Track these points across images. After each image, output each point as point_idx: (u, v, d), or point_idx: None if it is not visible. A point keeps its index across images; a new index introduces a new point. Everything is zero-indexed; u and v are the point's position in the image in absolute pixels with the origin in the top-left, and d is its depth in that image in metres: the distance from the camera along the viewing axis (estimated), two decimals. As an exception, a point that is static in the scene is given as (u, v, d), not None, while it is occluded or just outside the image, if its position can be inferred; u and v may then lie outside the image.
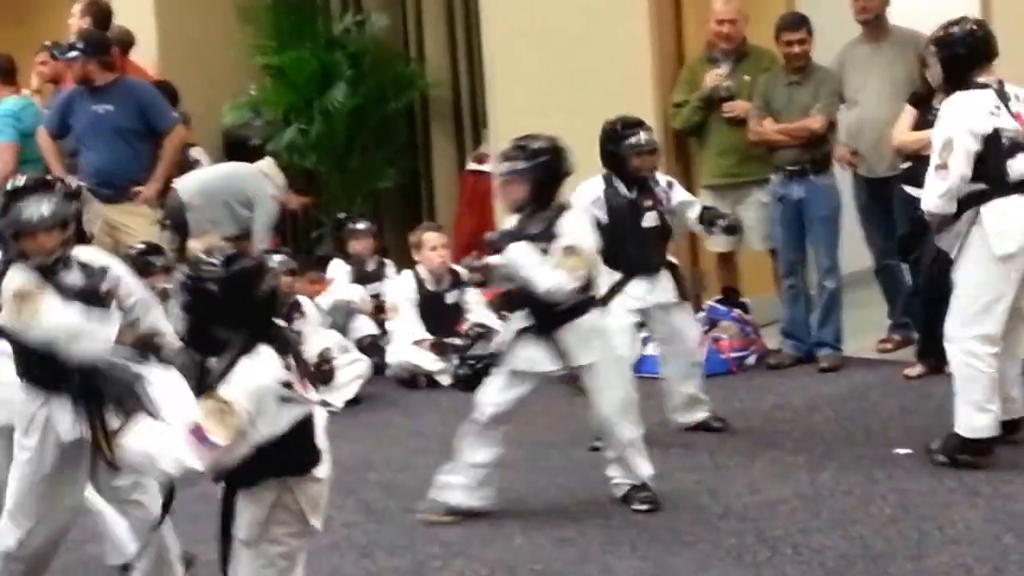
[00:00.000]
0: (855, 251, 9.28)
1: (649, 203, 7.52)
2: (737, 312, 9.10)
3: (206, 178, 10.41)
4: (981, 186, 6.63)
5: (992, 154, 6.63)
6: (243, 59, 11.57)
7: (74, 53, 9.66)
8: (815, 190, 8.74)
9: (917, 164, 8.15)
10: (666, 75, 9.49)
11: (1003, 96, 6.75)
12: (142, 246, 9.15)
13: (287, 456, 4.42)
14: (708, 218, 7.73)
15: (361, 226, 10.10)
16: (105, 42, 9.88)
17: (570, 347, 6.49)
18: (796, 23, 8.82)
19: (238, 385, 4.25)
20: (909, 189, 8.26)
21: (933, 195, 6.73)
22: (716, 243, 9.27)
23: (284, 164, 10.98)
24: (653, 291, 7.55)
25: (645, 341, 9.03)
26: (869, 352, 8.99)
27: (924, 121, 8.20)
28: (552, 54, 9.85)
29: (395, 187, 11.55)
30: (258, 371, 4.25)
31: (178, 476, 4.34)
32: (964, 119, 6.68)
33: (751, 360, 9.03)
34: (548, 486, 7.06)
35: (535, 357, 6.52)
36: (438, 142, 11.64)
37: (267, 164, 10.69)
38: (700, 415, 7.74)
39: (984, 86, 6.75)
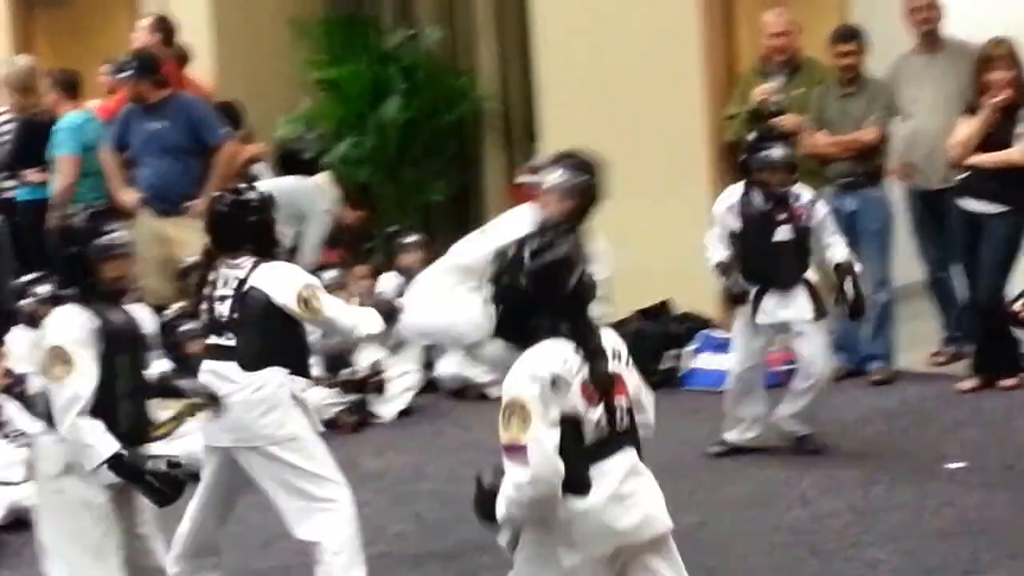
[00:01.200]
0: (907, 263, 9.24)
1: (783, 216, 7.41)
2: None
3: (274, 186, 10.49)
4: None
5: None
6: (297, 73, 11.64)
7: (126, 74, 9.82)
8: (867, 202, 8.72)
9: (972, 176, 8.16)
10: (717, 88, 9.48)
11: None
12: (196, 259, 9.24)
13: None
14: (839, 284, 7.50)
15: (411, 239, 10.12)
16: (155, 61, 10.01)
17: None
18: (849, 35, 8.81)
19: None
20: (965, 202, 8.25)
21: None
22: None
23: (338, 177, 11.05)
24: (784, 307, 7.45)
25: (697, 352, 9.05)
26: (921, 365, 8.96)
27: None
28: (603, 67, 9.86)
29: (446, 200, 11.58)
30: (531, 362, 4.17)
31: None
32: None
33: (800, 373, 8.99)
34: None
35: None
36: (489, 155, 11.66)
37: (323, 179, 10.76)
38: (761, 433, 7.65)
39: None
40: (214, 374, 5.73)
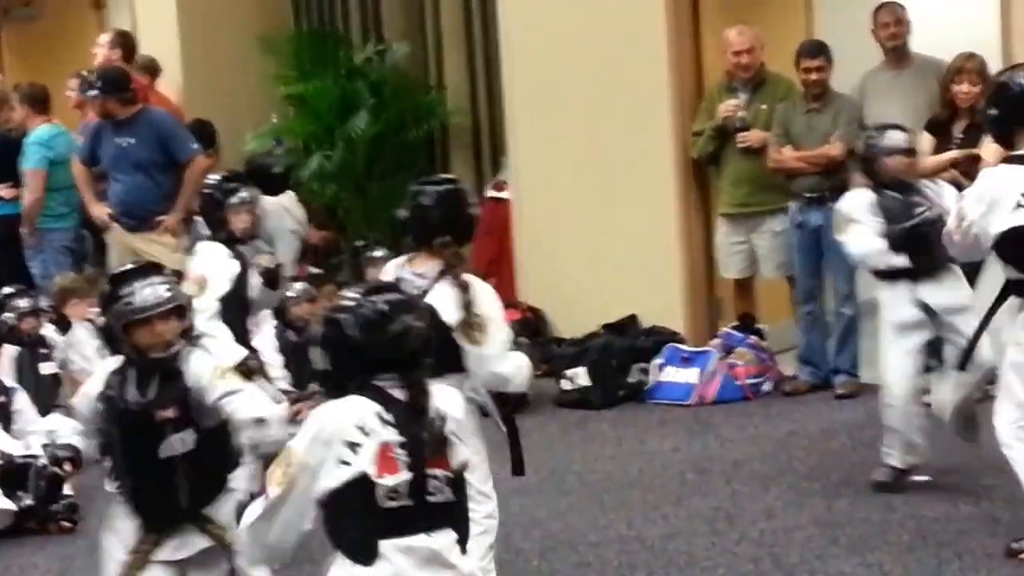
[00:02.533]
0: (872, 278, 9.27)
1: (923, 204, 7.02)
2: (753, 338, 9.12)
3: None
4: None
5: None
6: (265, 88, 11.65)
7: (94, 92, 9.82)
8: (834, 217, 8.76)
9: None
10: (684, 104, 9.53)
11: None
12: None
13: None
14: None
15: (379, 253, 10.11)
16: (123, 78, 10.01)
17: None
18: (814, 50, 8.86)
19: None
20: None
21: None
22: (727, 269, 9.34)
23: (305, 196, 11.10)
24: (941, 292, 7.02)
25: (663, 365, 9.08)
26: (886, 379, 8.99)
27: (944, 149, 8.25)
28: (571, 82, 9.89)
29: (415, 214, 11.59)
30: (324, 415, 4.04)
31: None
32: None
33: (767, 387, 9.04)
34: (566, 511, 7.08)
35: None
36: (457, 170, 11.66)
37: (288, 199, 10.81)
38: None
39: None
40: None
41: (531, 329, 9.85)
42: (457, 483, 4.05)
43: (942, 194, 7.10)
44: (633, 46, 9.64)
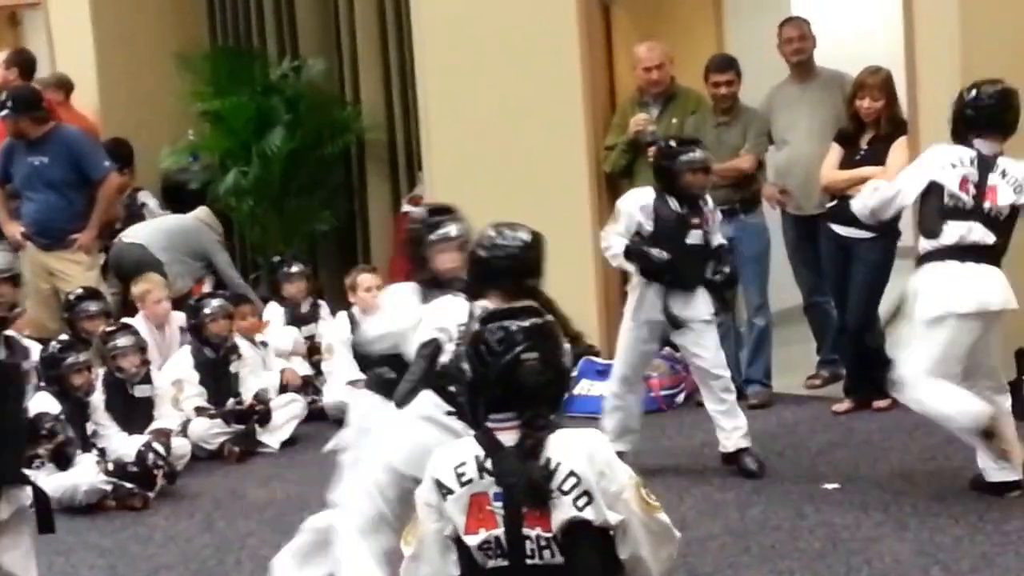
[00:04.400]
0: (784, 289, 9.40)
1: (696, 221, 7.58)
2: (667, 350, 9.17)
3: (155, 236, 10.53)
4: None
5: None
6: (182, 105, 11.63)
7: (4, 112, 9.79)
8: (744, 229, 8.85)
9: (843, 202, 8.34)
10: (598, 118, 9.59)
11: (986, 165, 6.84)
12: (80, 291, 9.24)
13: None
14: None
15: (295, 269, 10.15)
16: (35, 97, 10.00)
17: None
18: (724, 65, 8.95)
19: None
20: (836, 227, 8.44)
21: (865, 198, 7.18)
22: None
23: (219, 210, 11.12)
24: (687, 308, 7.59)
25: (578, 378, 9.13)
26: (798, 388, 9.10)
27: (851, 159, 8.38)
28: (485, 97, 9.94)
29: (331, 229, 11.62)
30: None
31: None
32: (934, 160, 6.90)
33: (680, 398, 9.12)
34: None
35: None
36: (374, 185, 11.72)
37: (204, 213, 10.85)
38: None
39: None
40: None
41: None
42: (568, 546, 3.68)
43: (714, 216, 7.71)
44: (547, 62, 9.70)
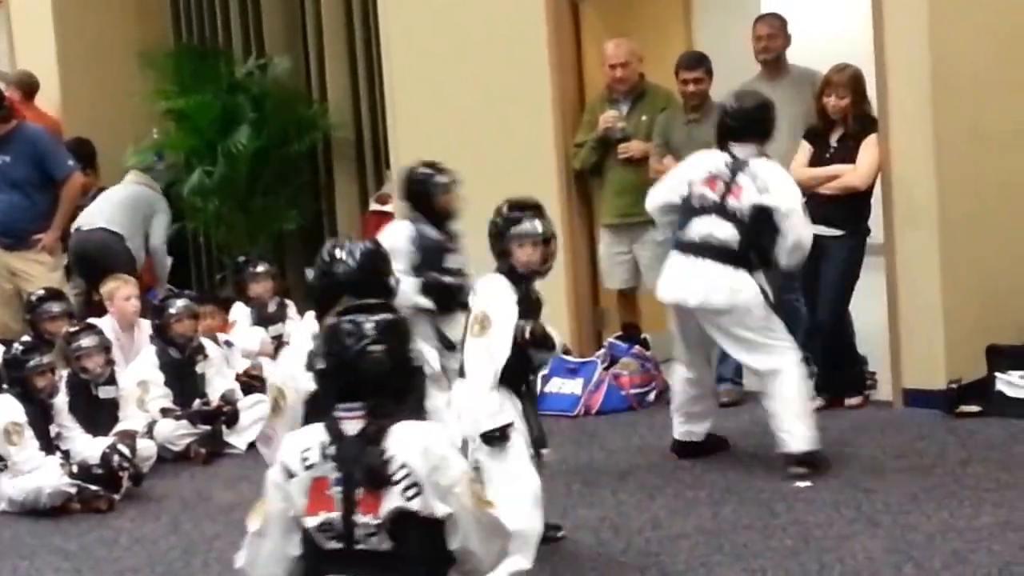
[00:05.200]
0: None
1: (452, 245, 7.77)
2: (637, 348, 9.16)
3: (112, 213, 10.54)
4: None
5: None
6: (146, 103, 11.56)
7: None
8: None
9: (812, 200, 8.32)
10: (567, 116, 9.57)
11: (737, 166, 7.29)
12: (42, 292, 9.15)
13: None
14: None
15: (261, 268, 10.09)
16: None
17: None
18: (693, 62, 8.92)
19: None
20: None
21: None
22: (611, 280, 9.40)
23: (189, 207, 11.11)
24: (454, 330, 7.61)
25: (548, 377, 9.11)
26: (769, 386, 9.07)
27: (820, 157, 8.37)
28: (453, 94, 9.91)
29: (298, 228, 11.58)
30: None
31: None
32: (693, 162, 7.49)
33: (651, 396, 9.08)
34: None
35: None
36: (341, 183, 11.68)
37: (136, 176, 11.05)
38: None
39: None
40: None
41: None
42: (396, 533, 3.85)
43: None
44: (515, 59, 9.67)
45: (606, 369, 9.02)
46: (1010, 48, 8.51)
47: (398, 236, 7.67)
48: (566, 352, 8.98)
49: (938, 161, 8.12)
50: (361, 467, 3.82)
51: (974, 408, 8.11)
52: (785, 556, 6.27)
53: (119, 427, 8.30)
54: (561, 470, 7.73)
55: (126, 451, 7.93)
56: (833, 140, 8.38)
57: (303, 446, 3.89)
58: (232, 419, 8.74)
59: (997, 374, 8.19)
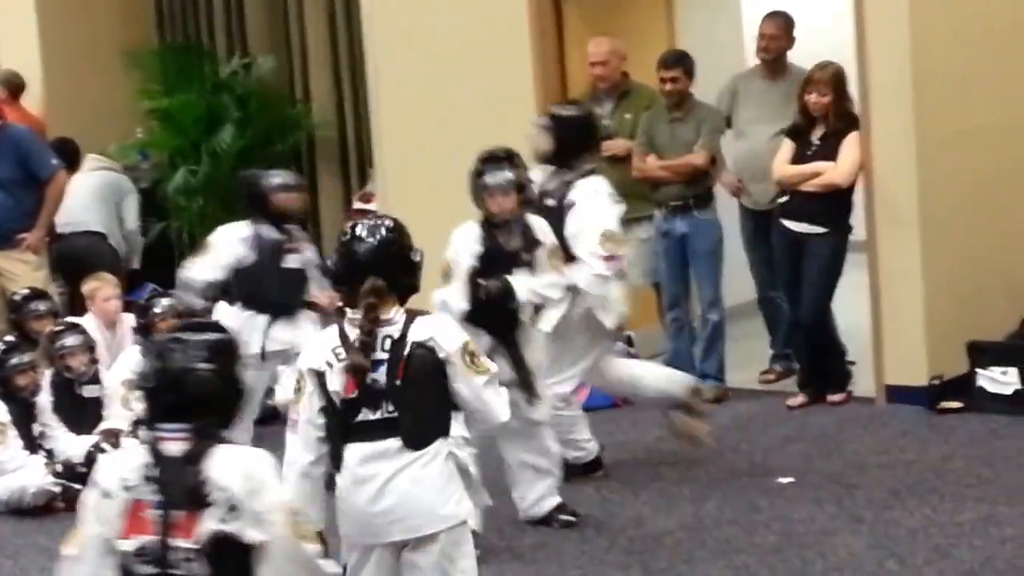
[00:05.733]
0: (737, 284, 9.41)
1: (292, 246, 7.87)
2: (621, 345, 9.16)
3: (91, 208, 10.56)
4: None
5: None
6: (130, 103, 11.56)
7: None
8: (698, 224, 8.85)
9: (795, 197, 8.36)
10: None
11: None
12: (27, 291, 9.14)
13: None
14: None
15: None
16: None
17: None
18: (671, 61, 8.87)
19: None
20: (787, 222, 8.45)
21: None
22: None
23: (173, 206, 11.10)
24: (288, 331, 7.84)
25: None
26: (752, 383, 9.10)
27: (802, 155, 8.38)
28: (437, 94, 9.91)
29: (283, 228, 11.56)
30: None
31: None
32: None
33: (636, 394, 9.09)
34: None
35: None
36: (325, 182, 11.68)
37: (96, 160, 11.01)
38: None
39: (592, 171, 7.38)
40: None
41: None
42: (212, 559, 3.74)
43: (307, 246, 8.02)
44: (498, 58, 9.68)
45: (590, 366, 9.02)
46: (990, 45, 8.54)
47: (228, 238, 7.85)
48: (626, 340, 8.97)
49: (919, 158, 8.14)
50: (180, 488, 3.74)
51: (956, 404, 8.14)
52: (768, 552, 6.30)
53: (103, 426, 8.30)
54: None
55: (111, 450, 7.93)
56: (815, 137, 8.39)
57: (123, 467, 3.78)
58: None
59: (978, 370, 8.23)
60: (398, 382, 4.56)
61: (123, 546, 3.75)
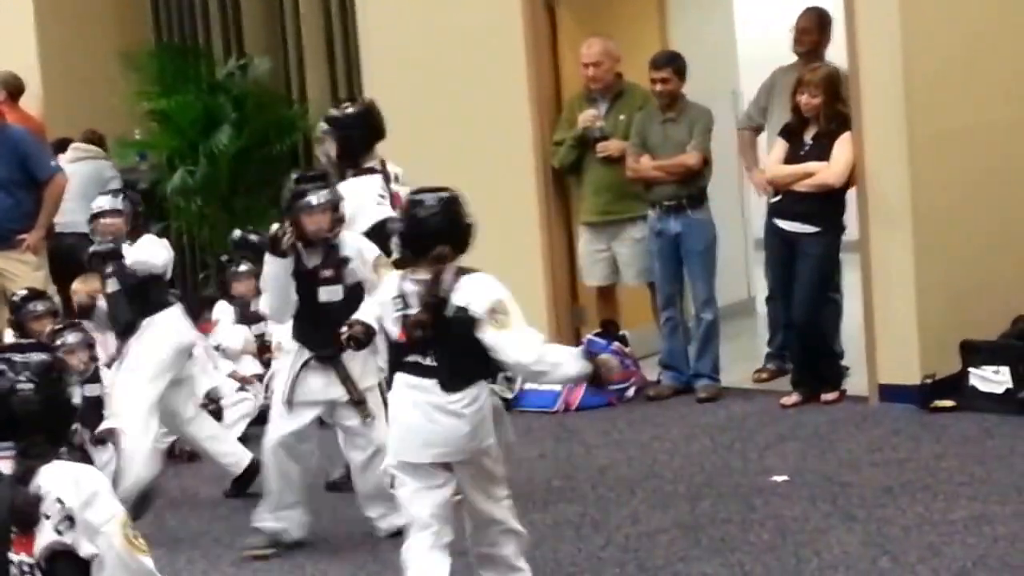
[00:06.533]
0: (732, 283, 9.46)
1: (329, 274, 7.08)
2: (616, 345, 9.21)
3: (84, 198, 10.59)
4: None
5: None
6: (128, 104, 11.59)
7: None
8: (691, 224, 8.90)
9: (787, 197, 8.41)
10: (544, 116, 9.61)
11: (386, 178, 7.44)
12: (25, 292, 9.16)
13: None
14: None
15: (243, 268, 10.10)
16: None
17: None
18: (661, 62, 8.91)
19: None
20: (780, 222, 8.50)
21: None
22: (590, 277, 9.46)
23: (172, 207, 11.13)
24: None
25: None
26: (746, 382, 9.15)
27: (795, 154, 8.44)
28: (431, 95, 9.95)
29: (280, 228, 11.60)
30: None
31: None
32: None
33: (631, 392, 9.14)
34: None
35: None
36: (322, 183, 11.70)
37: (75, 151, 11.03)
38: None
39: (373, 171, 7.43)
40: None
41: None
42: (52, 572, 3.72)
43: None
44: (493, 58, 9.73)
45: (585, 366, 9.06)
46: (981, 46, 8.58)
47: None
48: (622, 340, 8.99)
49: (912, 158, 8.18)
50: (10, 508, 3.71)
51: (948, 403, 8.19)
52: (762, 550, 6.34)
53: (104, 425, 8.33)
54: (541, 466, 7.81)
55: (112, 448, 7.96)
56: (807, 138, 8.44)
57: None
58: (217, 417, 8.78)
59: (971, 369, 8.27)
60: (441, 337, 5.40)
61: None
